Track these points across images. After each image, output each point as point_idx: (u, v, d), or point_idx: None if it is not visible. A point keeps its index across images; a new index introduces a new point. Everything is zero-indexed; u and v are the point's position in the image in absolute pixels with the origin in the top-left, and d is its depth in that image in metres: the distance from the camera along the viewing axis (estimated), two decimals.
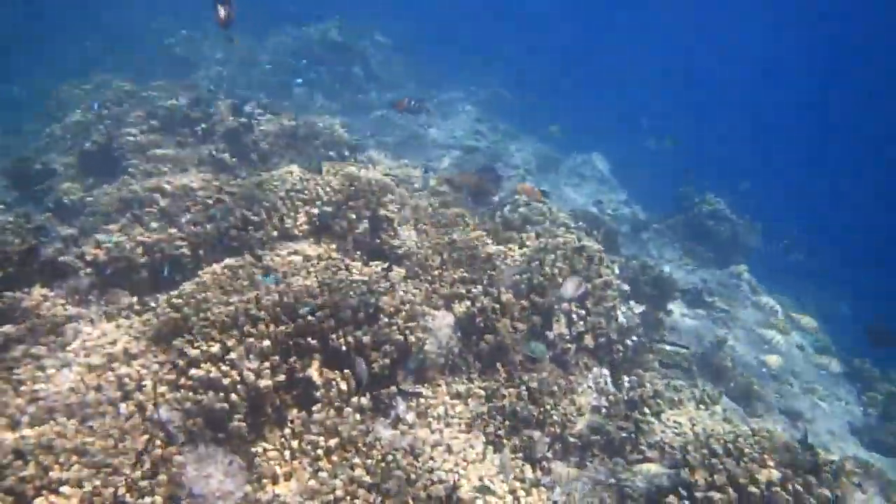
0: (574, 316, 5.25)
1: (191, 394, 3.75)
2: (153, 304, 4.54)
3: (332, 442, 3.73)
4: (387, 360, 4.32)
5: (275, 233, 5.29)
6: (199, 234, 5.10)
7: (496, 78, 21.54)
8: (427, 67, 21.13)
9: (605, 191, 14.68)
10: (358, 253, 5.29)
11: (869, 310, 14.29)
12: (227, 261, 4.69)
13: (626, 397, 4.92)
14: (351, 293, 4.53)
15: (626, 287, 6.76)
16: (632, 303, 6.66)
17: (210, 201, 5.44)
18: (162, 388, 3.76)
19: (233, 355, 3.92)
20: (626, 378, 5.18)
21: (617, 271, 6.20)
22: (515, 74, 23.33)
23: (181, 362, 3.89)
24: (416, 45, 22.57)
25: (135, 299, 4.59)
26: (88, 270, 4.66)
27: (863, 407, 7.97)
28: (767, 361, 7.89)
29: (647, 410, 4.72)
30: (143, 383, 3.78)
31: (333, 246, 5.23)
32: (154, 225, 5.09)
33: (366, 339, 4.30)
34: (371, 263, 5.23)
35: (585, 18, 40.09)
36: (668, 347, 6.03)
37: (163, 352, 4.06)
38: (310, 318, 4.19)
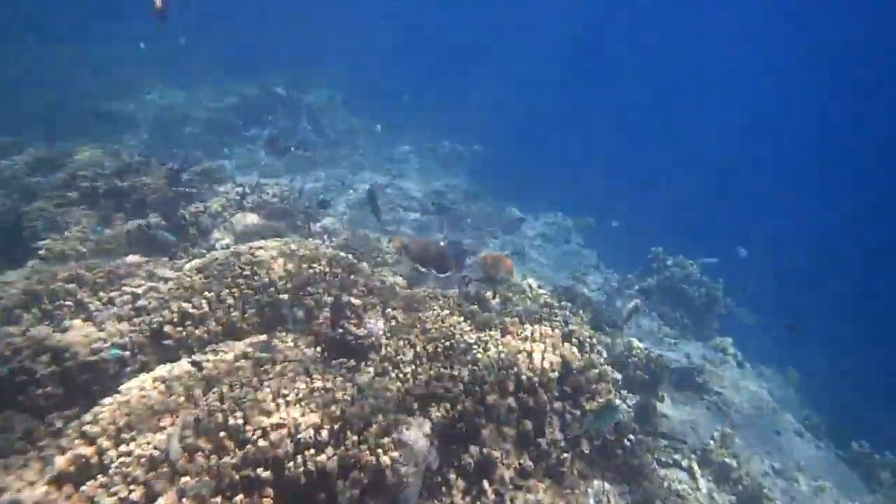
0: (568, 416, 4.62)
1: None
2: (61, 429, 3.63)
3: None
4: (356, 492, 3.54)
5: (219, 328, 4.48)
6: (124, 334, 4.23)
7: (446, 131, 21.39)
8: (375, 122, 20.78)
9: (574, 251, 14.34)
10: (318, 349, 4.52)
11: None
12: (159, 370, 3.84)
13: None
14: (312, 405, 3.77)
15: (617, 375, 6.18)
16: (625, 393, 6.07)
17: (139, 291, 4.61)
18: None
19: (160, 502, 3.07)
20: (628, 489, 4.54)
21: (605, 354, 5.62)
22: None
23: None
24: (367, 99, 22.37)
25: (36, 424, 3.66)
26: None
27: None
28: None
29: None
30: None
31: (289, 342, 4.45)
32: (67, 323, 4.19)
33: (330, 465, 3.52)
34: (333, 362, 4.47)
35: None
36: (664, 443, 5.43)
37: (67, 499, 3.16)
38: (260, 443, 3.39)
